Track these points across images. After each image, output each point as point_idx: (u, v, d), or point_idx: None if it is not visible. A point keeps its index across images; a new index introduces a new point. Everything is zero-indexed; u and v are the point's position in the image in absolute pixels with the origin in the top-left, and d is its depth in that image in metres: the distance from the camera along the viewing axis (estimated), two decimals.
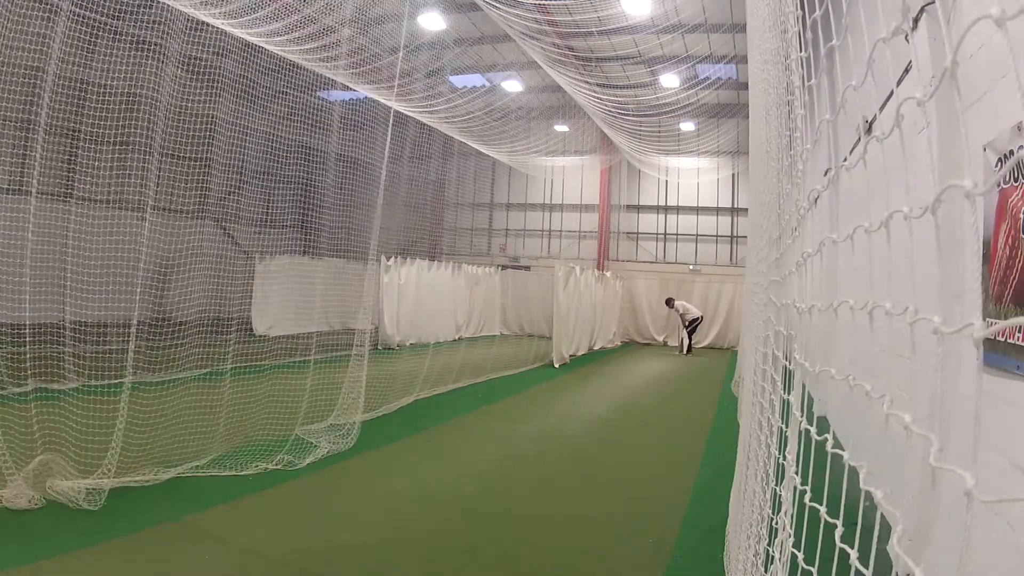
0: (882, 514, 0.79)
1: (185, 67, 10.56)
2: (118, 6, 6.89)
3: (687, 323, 14.51)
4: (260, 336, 12.42)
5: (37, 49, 7.76)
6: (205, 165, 14.31)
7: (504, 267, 18.51)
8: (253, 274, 13.24)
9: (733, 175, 18.11)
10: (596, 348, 14.31)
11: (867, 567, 0.77)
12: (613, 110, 13.70)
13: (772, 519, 1.66)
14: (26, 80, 8.75)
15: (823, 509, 1.06)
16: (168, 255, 10.23)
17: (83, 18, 7.83)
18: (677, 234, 19.01)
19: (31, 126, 8.16)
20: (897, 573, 1.04)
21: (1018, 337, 2.02)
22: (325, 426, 5.64)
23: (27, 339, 6.76)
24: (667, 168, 18.49)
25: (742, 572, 2.14)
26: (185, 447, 4.68)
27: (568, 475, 4.91)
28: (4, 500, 3.53)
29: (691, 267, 18.33)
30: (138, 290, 4.44)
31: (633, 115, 14.56)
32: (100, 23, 8.32)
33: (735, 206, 18.15)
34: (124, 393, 4.06)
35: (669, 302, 14.86)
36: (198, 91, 10.42)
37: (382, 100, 10.69)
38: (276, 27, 7.60)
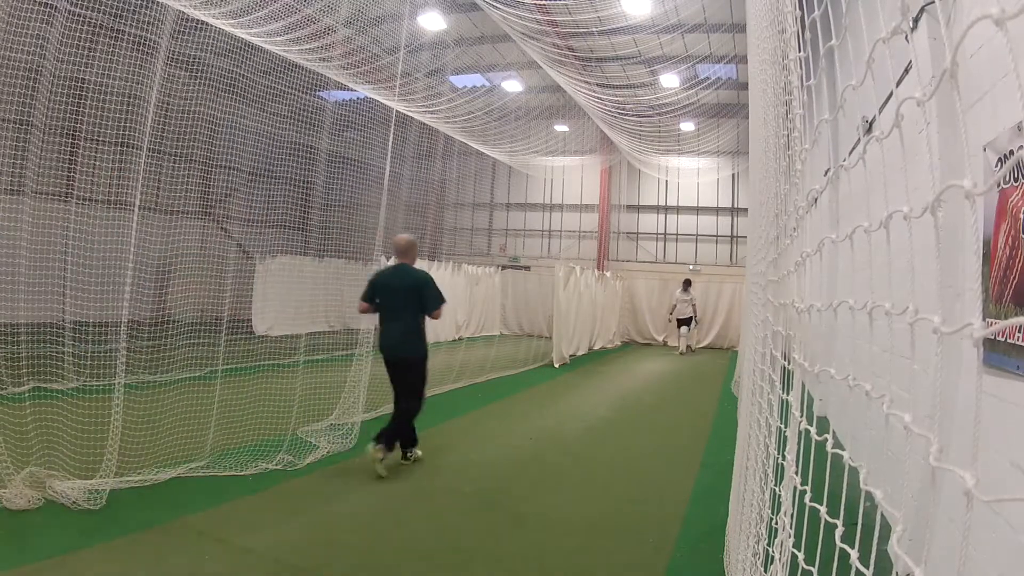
0: (882, 514, 0.79)
1: (185, 67, 10.56)
2: (118, 5, 6.88)
3: (678, 320, 14.53)
4: (260, 336, 12.42)
5: (35, 49, 7.76)
6: (206, 165, 14.32)
7: (504, 267, 18.50)
8: (253, 274, 13.24)
9: (733, 175, 18.10)
10: (596, 348, 14.31)
11: (867, 567, 0.77)
12: (613, 110, 13.69)
13: (772, 519, 1.66)
14: (24, 79, 8.75)
15: (823, 509, 1.06)
16: (168, 255, 10.23)
17: (81, 17, 7.83)
18: (677, 234, 19.00)
19: (28, 126, 8.16)
20: (897, 573, 1.04)
21: (1018, 337, 2.02)
22: (325, 426, 5.64)
23: (23, 339, 6.76)
24: (667, 168, 18.48)
25: (742, 572, 2.14)
26: (185, 447, 4.68)
27: (568, 475, 4.90)
28: (4, 500, 3.53)
29: (691, 267, 18.32)
30: (127, 289, 4.43)
31: (633, 115, 14.56)
32: (98, 23, 8.32)
33: (735, 206, 18.14)
34: (118, 393, 4.05)
35: (687, 283, 14.86)
36: (198, 91, 10.43)
37: (382, 100, 10.69)
38: (276, 27, 7.59)
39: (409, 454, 4.91)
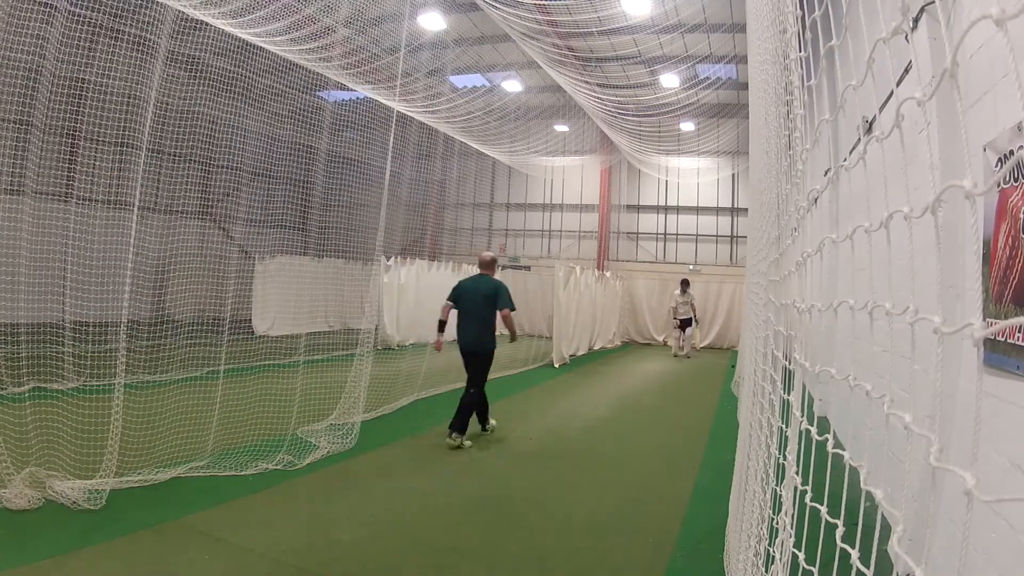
0: (882, 514, 0.79)
1: (185, 67, 10.56)
2: (118, 5, 6.88)
3: (679, 321, 14.40)
4: (260, 336, 12.42)
5: (35, 49, 7.76)
6: (205, 165, 14.32)
7: (504, 267, 18.49)
8: (253, 274, 13.24)
9: (733, 175, 18.08)
10: (596, 348, 14.30)
11: (868, 567, 0.77)
12: (613, 110, 13.69)
13: (773, 519, 1.66)
14: (24, 79, 8.75)
15: (824, 509, 1.06)
16: (168, 255, 10.23)
17: (81, 17, 7.83)
18: (677, 234, 18.99)
19: (28, 126, 8.17)
20: (897, 573, 1.04)
21: (1018, 337, 2.02)
22: (325, 426, 5.64)
23: (23, 339, 6.76)
24: (667, 168, 18.47)
25: (742, 572, 2.14)
26: (185, 447, 4.68)
27: (568, 475, 4.90)
28: (4, 500, 3.53)
29: (691, 267, 18.32)
30: (127, 289, 4.44)
31: (633, 115, 14.55)
32: (98, 22, 8.32)
33: (735, 206, 18.13)
34: (117, 393, 4.05)
35: (685, 284, 14.67)
36: (198, 91, 10.43)
37: (383, 100, 10.68)
38: (276, 27, 7.59)
39: (488, 427, 6.06)
